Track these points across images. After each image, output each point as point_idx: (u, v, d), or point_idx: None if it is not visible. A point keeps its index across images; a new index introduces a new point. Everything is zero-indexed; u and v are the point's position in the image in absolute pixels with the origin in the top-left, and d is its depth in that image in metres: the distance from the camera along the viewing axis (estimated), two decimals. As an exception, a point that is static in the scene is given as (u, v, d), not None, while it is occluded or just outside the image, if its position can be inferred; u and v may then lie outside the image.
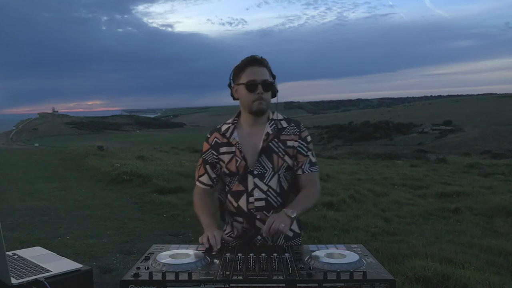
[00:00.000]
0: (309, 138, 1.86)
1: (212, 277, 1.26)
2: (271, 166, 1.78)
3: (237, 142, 1.80)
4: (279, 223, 1.60)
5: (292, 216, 1.67)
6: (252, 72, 1.76)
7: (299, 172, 1.83)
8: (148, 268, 1.34)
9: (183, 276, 1.25)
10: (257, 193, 1.77)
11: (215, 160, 1.84)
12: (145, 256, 1.45)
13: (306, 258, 1.42)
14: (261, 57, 1.81)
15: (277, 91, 1.83)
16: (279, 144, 1.80)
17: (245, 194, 1.79)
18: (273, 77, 1.82)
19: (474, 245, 5.02)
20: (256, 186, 1.78)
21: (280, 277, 1.27)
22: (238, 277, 1.27)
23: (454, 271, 3.64)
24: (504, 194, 8.72)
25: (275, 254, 1.47)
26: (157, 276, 1.25)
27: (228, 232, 1.87)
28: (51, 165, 15.82)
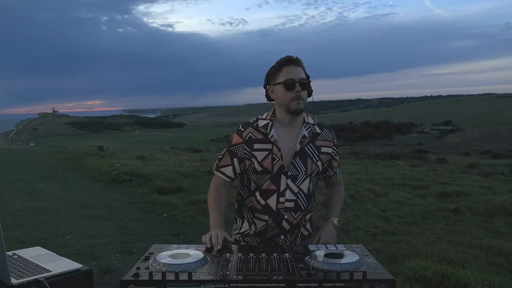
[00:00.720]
0: (338, 144, 1.94)
1: (212, 277, 1.26)
2: (304, 169, 1.79)
3: (276, 140, 1.78)
4: (331, 238, 1.84)
5: (337, 222, 1.91)
6: (290, 71, 1.76)
7: (333, 176, 1.94)
8: (148, 268, 1.34)
9: (183, 276, 1.24)
10: (288, 194, 1.78)
11: (246, 156, 1.80)
12: (145, 256, 1.45)
13: (306, 258, 1.42)
14: (297, 57, 1.80)
15: (312, 91, 1.83)
16: (314, 149, 1.82)
17: (276, 194, 1.78)
18: (308, 77, 1.81)
19: (474, 245, 5.02)
20: (288, 187, 1.78)
21: (280, 277, 1.26)
22: (238, 277, 1.27)
23: (454, 271, 3.64)
24: (504, 194, 8.72)
25: (275, 254, 1.47)
26: (157, 276, 1.25)
27: (246, 230, 1.87)
28: (51, 165, 15.83)
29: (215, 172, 1.87)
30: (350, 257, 1.40)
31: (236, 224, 1.95)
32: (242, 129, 1.83)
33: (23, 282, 1.31)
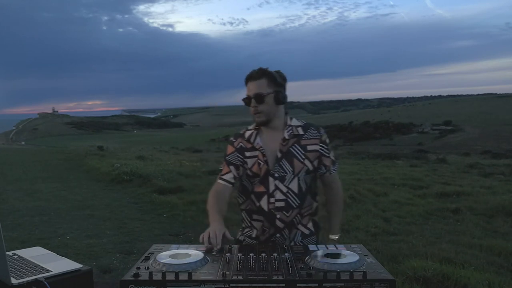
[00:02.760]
0: (327, 140, 1.97)
1: (212, 277, 1.26)
2: (292, 169, 1.88)
3: (261, 146, 1.92)
4: None
5: (337, 239, 2.04)
6: (249, 87, 1.90)
7: (327, 174, 1.98)
8: (148, 268, 1.34)
9: (183, 276, 1.25)
10: (277, 195, 1.89)
11: (240, 162, 1.93)
12: (145, 256, 1.45)
13: (306, 258, 1.42)
14: (260, 68, 1.89)
15: (283, 97, 1.90)
16: (300, 148, 1.91)
17: (266, 195, 1.90)
18: (279, 84, 1.89)
19: (474, 245, 5.02)
20: (276, 188, 1.89)
21: (280, 277, 1.27)
22: (238, 277, 1.27)
23: (454, 271, 3.64)
24: (504, 194, 8.72)
25: (275, 254, 1.48)
26: (157, 276, 1.25)
27: (247, 231, 1.98)
28: (51, 165, 15.84)
29: (219, 180, 1.96)
30: (350, 257, 1.40)
31: (242, 228, 2.06)
32: (234, 140, 1.98)
33: (23, 282, 1.31)
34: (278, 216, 1.88)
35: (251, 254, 1.47)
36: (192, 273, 1.27)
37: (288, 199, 1.88)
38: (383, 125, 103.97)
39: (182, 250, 1.51)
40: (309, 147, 1.91)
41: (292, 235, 1.92)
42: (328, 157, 1.95)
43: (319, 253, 1.46)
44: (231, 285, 1.24)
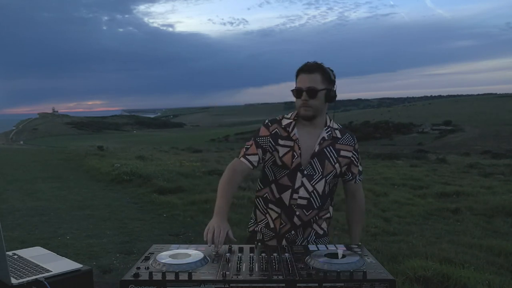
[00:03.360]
0: (359, 150, 1.98)
1: (212, 277, 1.26)
2: (321, 170, 1.87)
3: (297, 138, 1.87)
4: None
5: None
6: (301, 79, 1.86)
7: (352, 181, 1.98)
8: (148, 268, 1.34)
9: (183, 276, 1.25)
10: (302, 192, 1.86)
11: (270, 148, 1.88)
12: (145, 256, 1.45)
13: (306, 258, 1.42)
14: (315, 62, 1.87)
15: (334, 96, 1.89)
16: (333, 151, 1.89)
17: (290, 190, 1.86)
18: (331, 81, 1.87)
19: (474, 245, 5.02)
20: (303, 184, 1.86)
21: (280, 277, 1.26)
22: (238, 277, 1.27)
23: (454, 271, 3.64)
24: (504, 194, 8.72)
25: (275, 254, 1.48)
26: (157, 276, 1.25)
27: (263, 220, 1.94)
28: (51, 165, 15.83)
29: (242, 158, 1.87)
30: (350, 257, 1.40)
31: (253, 217, 2.02)
32: (270, 124, 1.92)
33: (23, 282, 1.31)
34: (297, 213, 1.86)
35: (251, 254, 1.47)
36: (192, 273, 1.27)
37: (311, 198, 1.86)
38: (383, 125, 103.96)
39: (182, 250, 1.51)
40: (343, 152, 1.90)
41: (306, 234, 1.91)
42: (357, 166, 1.96)
43: (319, 253, 1.46)
44: (231, 285, 1.24)
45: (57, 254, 1.61)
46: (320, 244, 1.88)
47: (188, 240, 5.36)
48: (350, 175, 1.96)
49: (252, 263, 1.38)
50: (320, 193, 1.87)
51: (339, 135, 1.91)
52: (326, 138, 1.88)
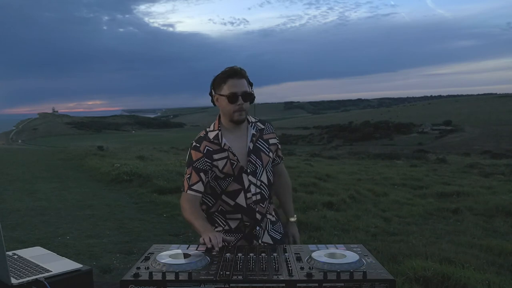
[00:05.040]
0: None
1: (212, 277, 1.26)
2: (261, 163, 1.96)
3: (229, 146, 1.92)
4: (298, 235, 2.16)
5: (295, 220, 2.19)
6: (233, 84, 1.88)
7: (279, 163, 2.14)
8: (148, 268, 1.34)
9: (183, 276, 1.25)
10: (253, 189, 1.94)
11: (208, 167, 1.91)
12: (145, 256, 1.45)
13: (306, 258, 1.42)
14: (240, 68, 1.92)
15: (254, 97, 1.97)
16: (264, 142, 2.01)
17: (242, 192, 1.93)
18: (251, 84, 1.96)
19: (474, 245, 5.02)
20: (251, 182, 1.94)
21: (280, 277, 1.27)
22: (238, 277, 1.27)
23: (454, 271, 3.64)
24: (504, 194, 8.73)
25: (275, 254, 1.48)
26: (157, 276, 1.25)
27: (222, 228, 1.97)
28: (51, 165, 15.83)
29: (188, 191, 1.91)
30: (350, 257, 1.40)
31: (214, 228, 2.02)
32: (198, 145, 1.93)
33: (23, 282, 1.31)
34: (257, 209, 1.94)
35: (251, 254, 1.47)
36: (192, 273, 1.27)
37: (262, 191, 1.96)
38: (383, 125, 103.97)
39: (182, 250, 1.51)
40: (271, 141, 2.04)
41: (264, 224, 1.98)
42: (280, 149, 2.12)
43: (319, 253, 1.46)
44: (231, 285, 1.24)
45: (57, 254, 1.61)
46: (277, 230, 2.03)
47: (188, 240, 5.35)
48: (278, 159, 2.11)
49: (252, 263, 1.38)
50: (266, 183, 1.98)
51: (262, 126, 2.03)
52: (255, 133, 1.98)
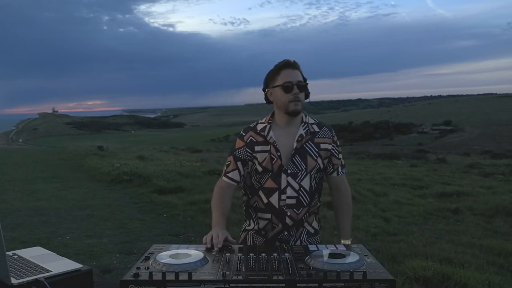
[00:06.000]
0: (338, 142, 1.98)
1: (212, 277, 1.26)
2: (305, 166, 1.85)
3: (274, 141, 1.85)
4: None
5: (349, 244, 1.78)
6: (287, 74, 1.83)
7: (334, 174, 1.96)
8: (148, 268, 1.34)
9: (183, 276, 1.24)
10: (289, 191, 1.85)
11: (249, 158, 1.88)
12: (145, 256, 1.45)
13: (306, 258, 1.42)
14: (294, 60, 1.87)
15: (309, 93, 1.90)
16: (313, 146, 1.88)
17: (277, 192, 1.85)
18: (305, 79, 1.88)
19: (474, 245, 5.02)
20: (289, 184, 1.84)
21: (280, 277, 1.26)
22: (238, 277, 1.27)
23: (454, 271, 3.64)
24: (504, 194, 8.73)
25: (275, 254, 1.47)
26: (157, 276, 1.25)
27: (252, 228, 1.94)
28: (51, 165, 15.84)
29: (223, 177, 1.90)
30: (350, 257, 1.40)
31: (245, 223, 2.02)
32: (243, 134, 1.91)
33: (23, 282, 1.31)
34: (288, 213, 1.85)
35: (251, 254, 1.47)
36: (192, 273, 1.27)
37: (300, 197, 1.85)
38: (383, 125, 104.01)
39: (182, 250, 1.51)
40: (322, 146, 1.90)
41: (298, 233, 1.90)
42: (338, 158, 1.96)
43: (319, 253, 1.46)
44: (231, 285, 1.24)
45: (57, 254, 1.61)
46: (312, 243, 1.92)
47: (188, 240, 5.36)
48: (332, 167, 1.95)
49: (252, 263, 1.38)
50: (308, 190, 1.87)
51: (316, 129, 1.91)
52: (304, 134, 1.87)
